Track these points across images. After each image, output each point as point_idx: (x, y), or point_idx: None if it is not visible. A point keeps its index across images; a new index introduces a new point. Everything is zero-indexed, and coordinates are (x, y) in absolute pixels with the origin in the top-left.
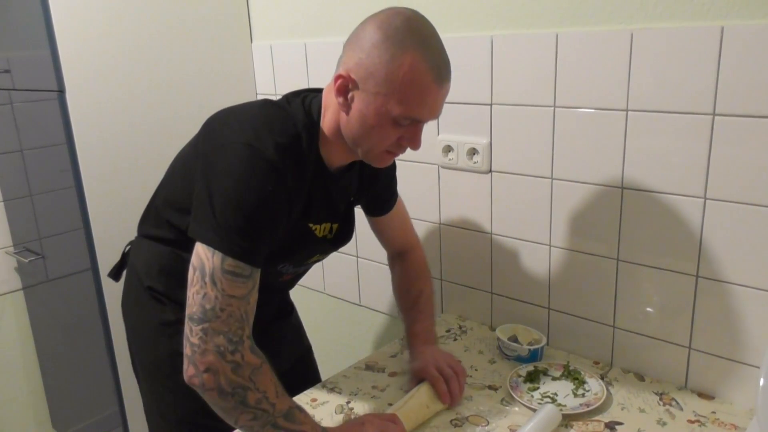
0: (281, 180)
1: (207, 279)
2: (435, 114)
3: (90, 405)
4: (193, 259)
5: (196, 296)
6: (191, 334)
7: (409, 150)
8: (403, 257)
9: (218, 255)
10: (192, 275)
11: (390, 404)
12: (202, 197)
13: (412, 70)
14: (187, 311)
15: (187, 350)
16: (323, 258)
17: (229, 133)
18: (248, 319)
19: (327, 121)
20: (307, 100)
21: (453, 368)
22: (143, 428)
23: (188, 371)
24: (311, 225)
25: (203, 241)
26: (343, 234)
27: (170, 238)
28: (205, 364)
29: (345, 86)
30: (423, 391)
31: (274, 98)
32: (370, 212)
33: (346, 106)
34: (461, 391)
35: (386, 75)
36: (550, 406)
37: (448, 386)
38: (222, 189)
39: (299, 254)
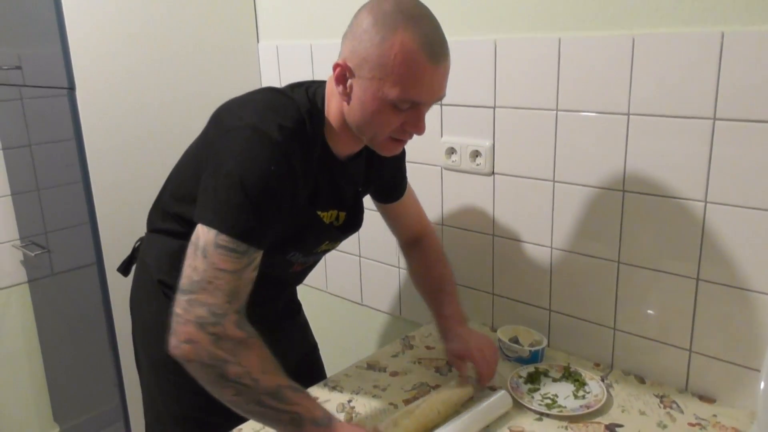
0: (285, 160)
1: (199, 252)
2: (435, 95)
3: (91, 399)
4: (192, 237)
5: (187, 268)
6: (176, 305)
7: (412, 151)
8: (419, 243)
9: (213, 231)
10: (188, 249)
11: (391, 404)
12: (207, 182)
13: (403, 50)
14: (180, 283)
15: (172, 321)
16: (333, 247)
17: (234, 119)
18: (239, 294)
19: (332, 110)
20: (311, 89)
21: (489, 355)
22: (144, 423)
23: (170, 342)
24: (319, 212)
25: (202, 222)
26: (352, 222)
27: (180, 231)
28: (186, 334)
29: (343, 75)
30: (436, 397)
31: None
32: (382, 199)
33: (346, 95)
34: (492, 375)
35: (378, 58)
36: (503, 391)
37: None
38: (225, 170)
39: (308, 241)
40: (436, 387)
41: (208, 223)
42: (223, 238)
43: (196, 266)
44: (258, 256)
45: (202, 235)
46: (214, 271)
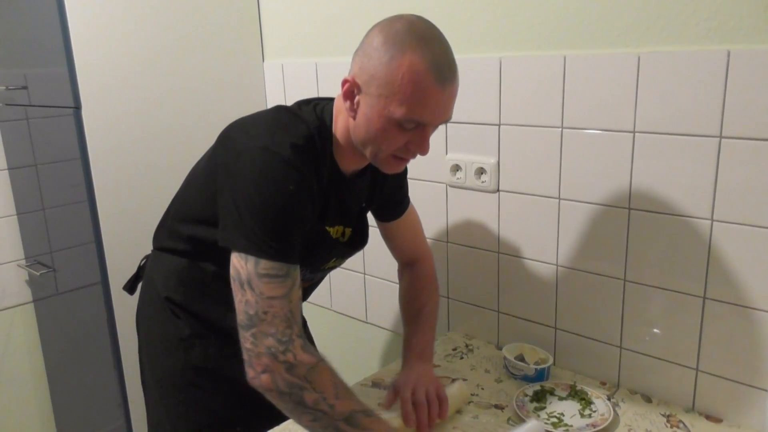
0: (301, 177)
1: (245, 286)
2: (440, 117)
3: (96, 418)
4: (231, 272)
5: (239, 305)
6: (244, 341)
7: (417, 168)
8: (412, 268)
9: (251, 260)
10: (233, 286)
11: None
12: (228, 207)
13: (411, 70)
14: (237, 320)
15: (244, 356)
16: (339, 264)
17: (244, 140)
18: (295, 317)
19: (339, 127)
20: (318, 107)
21: (429, 396)
22: None
23: (249, 374)
24: (327, 228)
25: (235, 249)
26: (358, 238)
27: (186, 250)
28: (261, 365)
29: (351, 90)
30: (395, 417)
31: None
32: (382, 217)
33: (353, 110)
34: (432, 421)
35: (386, 76)
36: (534, 421)
37: (417, 413)
38: (246, 196)
39: (316, 258)
40: None
41: (243, 250)
42: (264, 266)
43: (248, 300)
44: (298, 274)
45: (241, 267)
46: (265, 300)
